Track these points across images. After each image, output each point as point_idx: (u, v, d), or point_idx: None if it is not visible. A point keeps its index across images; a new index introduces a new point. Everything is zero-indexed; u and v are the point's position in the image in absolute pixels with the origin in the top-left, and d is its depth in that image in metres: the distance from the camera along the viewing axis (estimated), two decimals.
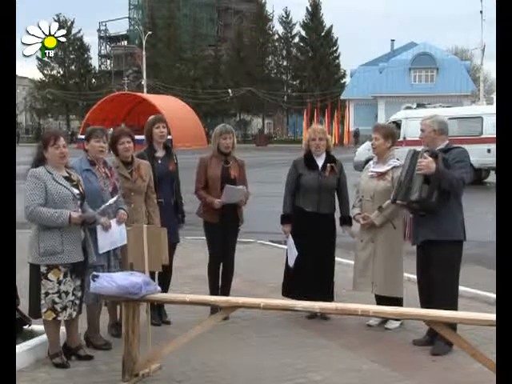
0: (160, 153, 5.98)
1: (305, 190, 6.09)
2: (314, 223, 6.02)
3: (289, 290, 6.13)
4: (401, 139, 19.51)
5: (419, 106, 22.81)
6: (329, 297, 5.96)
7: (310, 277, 5.99)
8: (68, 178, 4.83)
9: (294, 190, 6.17)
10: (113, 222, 5.17)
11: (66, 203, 4.70)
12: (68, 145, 5.02)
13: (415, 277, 5.57)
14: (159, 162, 5.93)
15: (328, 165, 6.07)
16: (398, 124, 20.85)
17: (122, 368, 4.50)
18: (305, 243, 6.05)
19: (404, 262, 5.88)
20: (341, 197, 6.21)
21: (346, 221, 6.17)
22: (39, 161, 4.79)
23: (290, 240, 6.17)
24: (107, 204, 4.98)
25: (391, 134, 5.95)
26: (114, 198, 5.09)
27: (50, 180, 4.69)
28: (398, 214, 5.72)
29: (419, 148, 5.31)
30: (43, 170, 4.72)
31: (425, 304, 5.11)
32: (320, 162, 6.11)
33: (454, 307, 4.95)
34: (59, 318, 4.78)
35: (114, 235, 5.15)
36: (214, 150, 6.15)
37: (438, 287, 5.09)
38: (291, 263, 6.15)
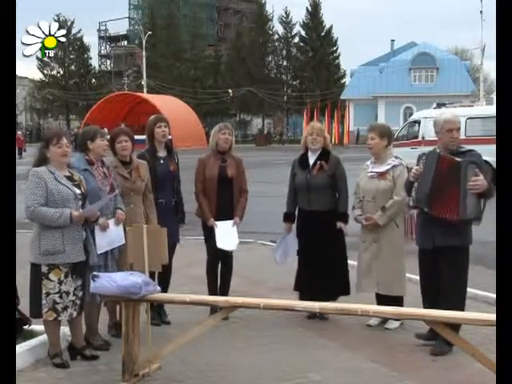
0: (161, 153, 5.98)
1: (298, 190, 6.14)
2: (309, 222, 6.04)
3: (301, 291, 6.13)
4: (419, 139, 19.51)
5: (439, 105, 22.65)
6: (333, 296, 5.95)
7: (311, 276, 6.00)
8: (70, 178, 4.82)
9: (294, 190, 6.20)
10: (110, 222, 5.18)
11: (67, 203, 4.70)
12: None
13: (415, 277, 5.57)
14: (161, 162, 5.93)
15: (318, 162, 6.06)
16: (418, 123, 20.82)
17: (122, 368, 4.50)
18: (305, 242, 6.08)
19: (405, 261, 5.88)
20: (338, 192, 6.12)
21: (341, 217, 6.06)
22: (41, 161, 4.78)
23: (288, 236, 6.24)
24: (102, 201, 4.95)
25: (387, 132, 5.92)
26: (110, 196, 5.08)
27: (51, 179, 4.69)
28: (400, 213, 5.72)
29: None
30: (45, 170, 4.72)
31: (428, 307, 5.06)
32: (312, 160, 6.09)
33: (462, 309, 4.93)
34: (60, 318, 4.78)
35: (111, 235, 5.17)
36: (213, 149, 6.15)
37: (450, 292, 5.04)
38: (279, 258, 6.33)
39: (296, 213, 6.25)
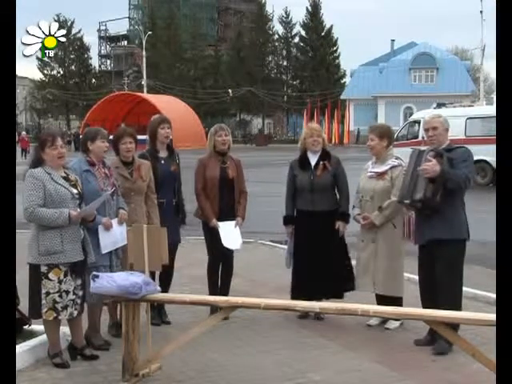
0: (163, 153, 5.98)
1: (300, 191, 6.12)
2: (311, 223, 6.02)
3: (298, 292, 6.05)
4: (419, 139, 19.50)
5: (439, 105, 22.63)
6: (337, 295, 5.96)
7: (313, 277, 5.98)
8: (66, 178, 4.83)
9: (293, 192, 6.18)
10: (114, 222, 5.18)
11: (64, 203, 4.70)
12: (66, 145, 5.01)
13: (415, 277, 5.56)
14: (162, 162, 5.93)
15: (320, 163, 6.06)
16: (418, 123, 20.82)
17: (122, 368, 4.50)
18: (305, 243, 6.06)
19: (404, 261, 5.88)
20: (339, 192, 6.14)
21: (341, 217, 6.08)
22: (37, 162, 4.78)
23: (289, 241, 6.22)
24: (98, 200, 4.93)
25: (386, 133, 5.94)
26: (107, 193, 5.07)
27: (48, 180, 4.69)
28: (398, 214, 5.73)
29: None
30: (41, 171, 4.72)
31: (427, 304, 5.10)
32: (313, 160, 6.09)
33: (458, 307, 4.95)
34: (60, 318, 4.77)
35: (115, 235, 5.18)
36: (211, 151, 6.15)
37: (443, 287, 5.08)
38: (288, 264, 6.22)
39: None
